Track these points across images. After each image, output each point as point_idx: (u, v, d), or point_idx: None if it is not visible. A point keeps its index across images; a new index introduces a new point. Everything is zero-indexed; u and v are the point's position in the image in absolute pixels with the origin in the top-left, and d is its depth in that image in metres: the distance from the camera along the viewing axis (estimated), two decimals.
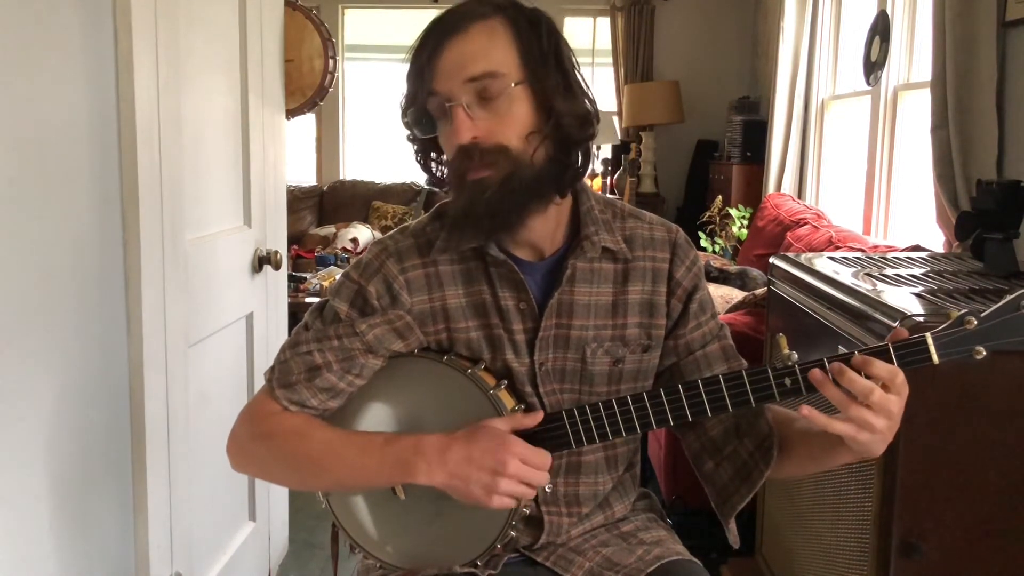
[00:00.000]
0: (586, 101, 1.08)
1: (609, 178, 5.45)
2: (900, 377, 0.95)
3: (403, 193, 5.79)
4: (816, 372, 0.96)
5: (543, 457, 1.05)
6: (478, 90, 1.02)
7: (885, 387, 0.94)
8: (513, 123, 1.03)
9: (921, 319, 1.43)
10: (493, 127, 1.03)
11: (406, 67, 1.07)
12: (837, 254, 2.19)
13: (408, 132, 1.11)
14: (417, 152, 1.14)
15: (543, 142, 1.05)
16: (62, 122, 1.38)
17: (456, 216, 1.06)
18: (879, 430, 0.95)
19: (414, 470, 1.04)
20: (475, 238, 1.08)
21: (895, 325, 1.42)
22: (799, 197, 4.16)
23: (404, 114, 1.08)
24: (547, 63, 1.04)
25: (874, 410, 0.94)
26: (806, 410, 0.95)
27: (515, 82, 1.03)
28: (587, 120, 1.07)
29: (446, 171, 1.11)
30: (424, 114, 1.06)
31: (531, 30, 1.05)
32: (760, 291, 2.76)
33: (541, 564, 1.19)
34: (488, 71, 1.02)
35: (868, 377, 0.94)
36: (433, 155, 1.13)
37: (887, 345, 0.95)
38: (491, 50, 1.03)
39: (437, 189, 1.28)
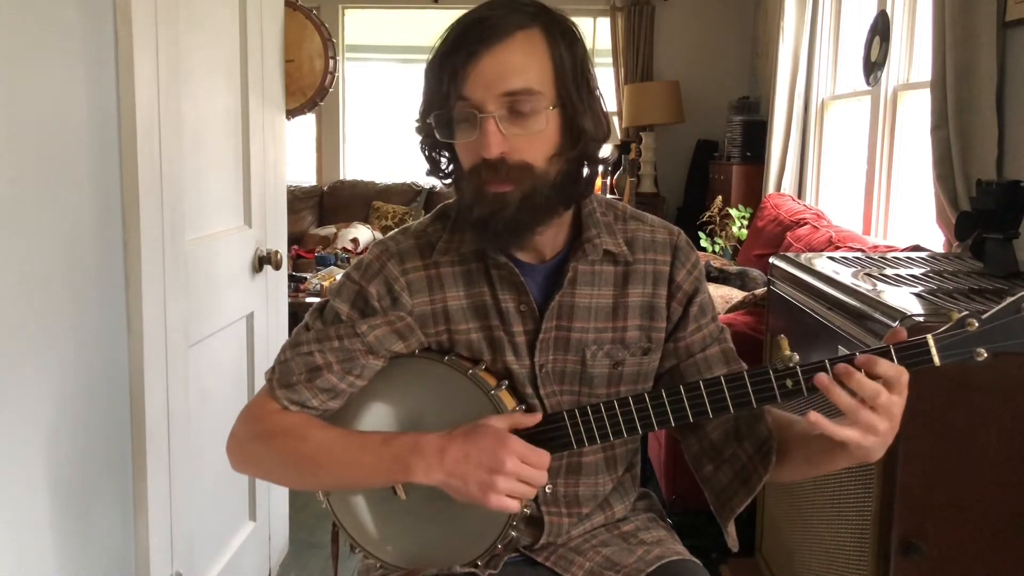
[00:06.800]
0: (603, 119, 1.07)
1: (609, 178, 5.45)
2: (905, 377, 0.94)
3: (403, 193, 5.79)
4: (822, 377, 0.94)
5: (542, 456, 1.04)
6: (512, 105, 1.00)
7: (888, 388, 0.94)
8: (541, 143, 1.03)
9: (921, 319, 1.43)
10: (521, 145, 1.01)
11: (432, 63, 1.03)
12: (837, 254, 2.19)
13: (415, 123, 1.09)
14: (423, 145, 1.12)
15: (565, 165, 1.05)
16: (62, 122, 1.38)
17: (472, 225, 1.05)
18: (881, 432, 0.95)
19: (412, 469, 1.04)
20: (488, 248, 1.08)
21: (895, 325, 1.42)
22: (799, 197, 4.16)
23: (426, 115, 1.05)
24: (578, 83, 1.03)
25: (879, 413, 0.94)
26: (813, 416, 0.93)
27: (551, 105, 1.02)
28: (605, 139, 1.08)
29: (459, 177, 1.10)
30: (449, 118, 1.03)
31: (566, 46, 1.03)
32: (760, 291, 2.76)
33: (541, 564, 1.19)
34: (526, 88, 1.00)
35: (873, 377, 0.93)
36: (438, 148, 1.11)
37: (889, 347, 0.95)
38: (530, 66, 1.01)
39: (435, 178, 1.27)
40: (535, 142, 1.02)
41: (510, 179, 1.02)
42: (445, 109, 1.02)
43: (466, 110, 1.01)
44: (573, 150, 1.05)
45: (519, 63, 1.00)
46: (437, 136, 1.05)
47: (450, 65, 1.00)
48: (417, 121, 1.09)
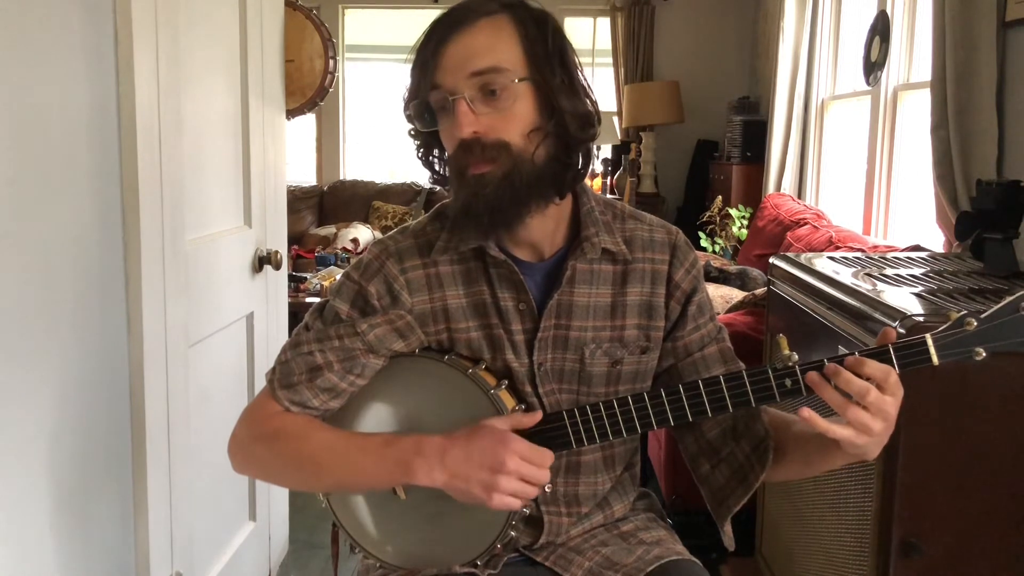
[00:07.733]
0: (588, 102, 1.08)
1: (609, 178, 5.46)
2: (893, 377, 0.95)
3: (403, 193, 5.80)
4: (813, 375, 0.96)
5: (544, 455, 1.04)
6: (481, 85, 1.02)
7: (879, 388, 0.94)
8: (515, 120, 1.03)
9: (921, 319, 1.43)
10: (495, 123, 1.02)
11: (410, 61, 1.06)
12: (837, 254, 2.19)
13: (410, 126, 1.11)
14: (419, 148, 1.14)
15: (544, 141, 1.04)
16: (62, 123, 1.38)
17: (457, 212, 1.06)
18: (876, 433, 0.95)
19: (414, 471, 1.04)
20: (475, 235, 1.08)
21: (894, 325, 1.42)
22: (799, 197, 4.16)
23: (406, 107, 1.08)
24: (551, 62, 1.04)
25: (871, 411, 0.94)
26: (806, 412, 0.94)
27: (519, 78, 1.03)
28: (589, 121, 1.07)
29: (447, 167, 1.11)
30: (426, 107, 1.05)
31: (536, 29, 1.05)
32: (760, 291, 2.76)
33: (541, 564, 1.19)
34: (492, 66, 1.01)
35: (862, 377, 0.94)
36: (435, 151, 1.13)
37: (887, 346, 0.95)
38: (496, 45, 1.03)
39: (439, 186, 1.30)
40: (509, 119, 1.03)
41: (487, 158, 1.02)
42: (419, 99, 1.05)
43: (440, 96, 1.03)
44: (550, 125, 1.05)
45: (484, 44, 1.02)
46: (418, 127, 1.08)
47: (421, 57, 1.04)
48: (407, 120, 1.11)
